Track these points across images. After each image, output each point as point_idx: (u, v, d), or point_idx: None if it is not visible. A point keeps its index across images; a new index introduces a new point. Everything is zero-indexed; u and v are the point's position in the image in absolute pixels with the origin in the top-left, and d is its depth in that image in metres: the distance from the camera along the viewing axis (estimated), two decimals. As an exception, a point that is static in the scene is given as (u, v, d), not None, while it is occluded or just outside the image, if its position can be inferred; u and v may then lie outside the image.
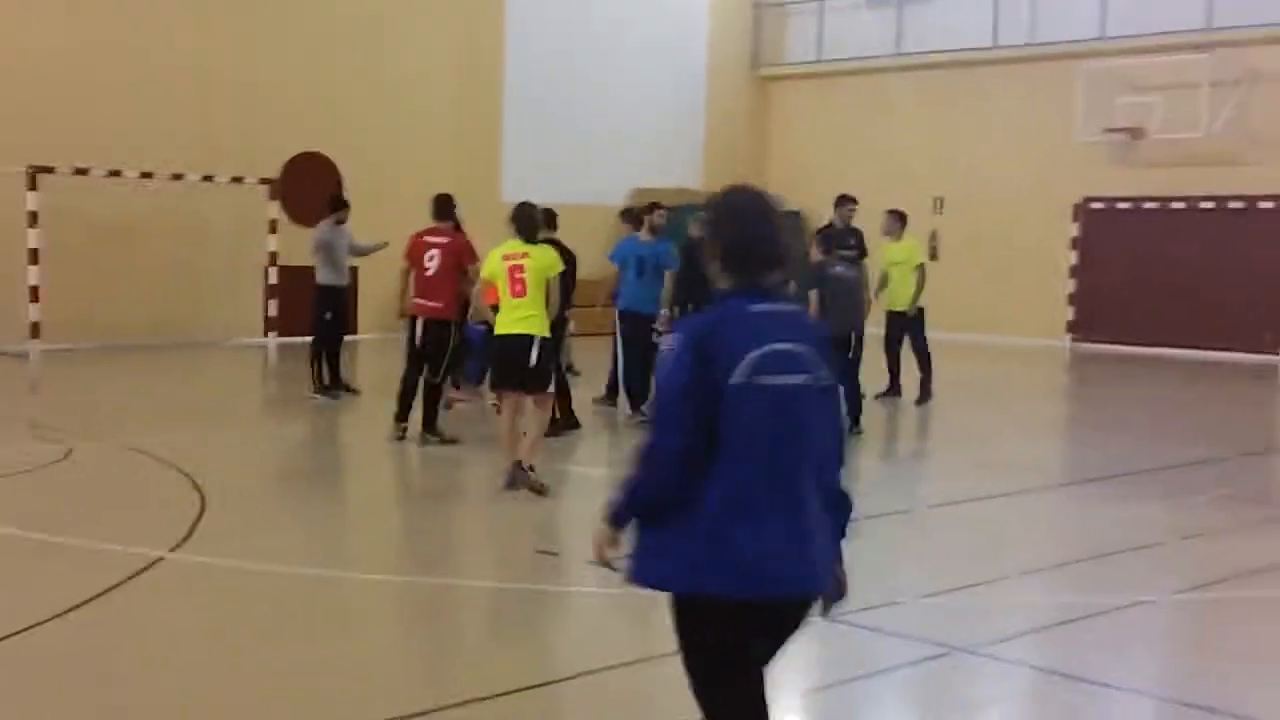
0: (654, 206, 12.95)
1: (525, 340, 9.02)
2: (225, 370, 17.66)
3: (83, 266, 17.63)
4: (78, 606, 6.33)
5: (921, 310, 14.65)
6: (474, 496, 9.83)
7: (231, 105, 19.66)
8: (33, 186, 17.08)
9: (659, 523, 3.40)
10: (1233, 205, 20.98)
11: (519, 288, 9.06)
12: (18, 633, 5.94)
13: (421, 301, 11.12)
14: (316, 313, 13.79)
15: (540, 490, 8.97)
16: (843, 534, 3.60)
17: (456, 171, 21.50)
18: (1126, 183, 21.99)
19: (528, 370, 9.04)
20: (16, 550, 7.63)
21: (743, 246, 3.48)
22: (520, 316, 9.05)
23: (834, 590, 3.58)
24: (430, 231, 11.26)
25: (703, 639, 3.43)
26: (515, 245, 9.21)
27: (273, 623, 6.47)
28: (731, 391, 3.33)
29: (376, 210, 16.93)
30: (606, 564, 3.54)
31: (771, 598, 3.40)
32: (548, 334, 9.18)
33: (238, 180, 19.10)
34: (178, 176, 18.50)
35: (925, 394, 14.50)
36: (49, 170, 17.21)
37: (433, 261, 11.03)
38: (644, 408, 11.78)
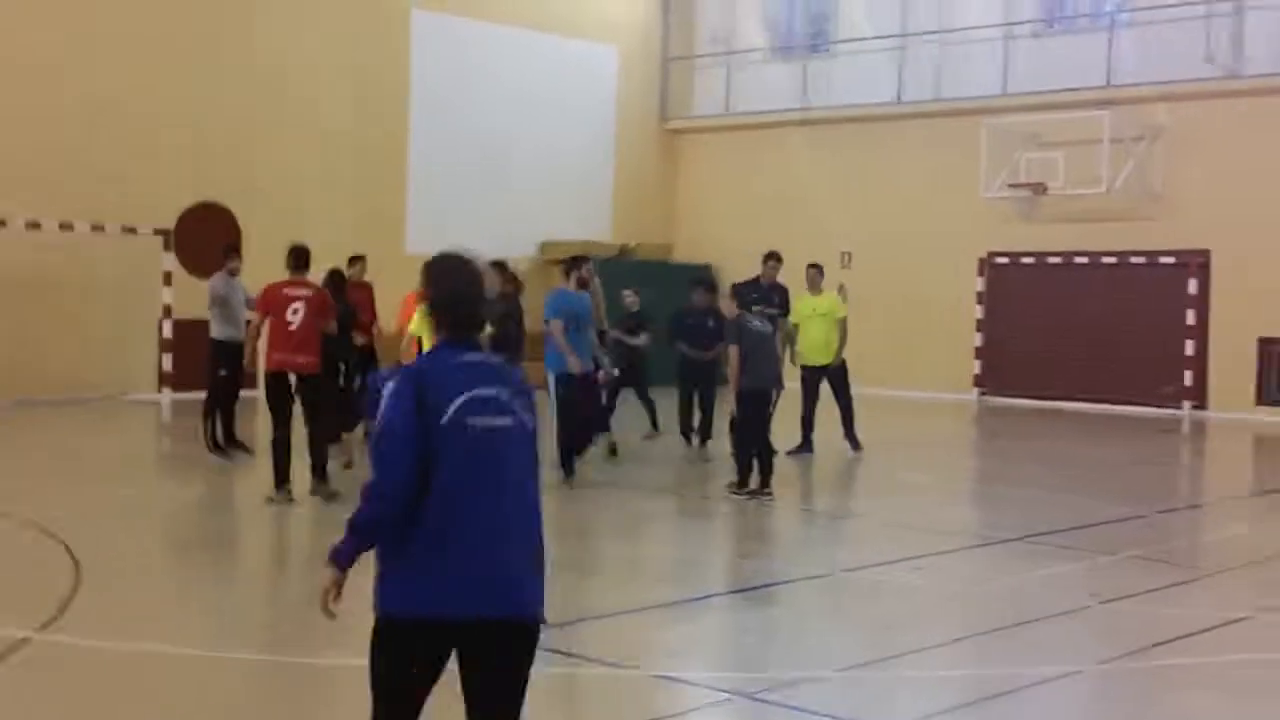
0: (578, 260, 12.74)
1: None
2: (115, 427, 16.95)
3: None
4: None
5: (844, 362, 14.61)
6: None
7: (122, 153, 19.04)
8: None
9: (380, 553, 3.77)
10: (1134, 260, 21.23)
11: None
12: None
13: (288, 356, 10.71)
14: (211, 368, 13.26)
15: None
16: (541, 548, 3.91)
17: (360, 222, 21.09)
18: (1030, 238, 22.17)
19: None
20: None
21: (450, 304, 3.93)
22: None
23: (539, 613, 3.85)
24: (291, 284, 10.88)
25: (396, 656, 3.74)
26: None
27: (142, 713, 5.95)
28: (441, 431, 3.71)
29: (277, 262, 16.36)
30: (328, 613, 3.81)
31: (470, 618, 3.69)
32: None
33: (130, 230, 18.45)
34: (66, 226, 17.82)
35: (855, 443, 14.73)
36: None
37: (296, 315, 10.67)
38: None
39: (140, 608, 7.74)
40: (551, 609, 4.04)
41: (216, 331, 13.24)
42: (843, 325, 14.66)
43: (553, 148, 24.59)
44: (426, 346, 9.09)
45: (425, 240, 20.96)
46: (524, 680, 3.83)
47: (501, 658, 3.78)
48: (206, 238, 18.35)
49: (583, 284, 12.53)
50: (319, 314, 10.83)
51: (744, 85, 25.84)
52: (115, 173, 18.82)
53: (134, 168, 19.04)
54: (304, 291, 10.87)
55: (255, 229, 17.89)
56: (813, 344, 14.52)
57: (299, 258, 11.05)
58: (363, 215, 21.41)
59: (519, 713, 3.84)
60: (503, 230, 22.40)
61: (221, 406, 13.25)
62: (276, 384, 10.81)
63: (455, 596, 3.68)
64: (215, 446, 13.18)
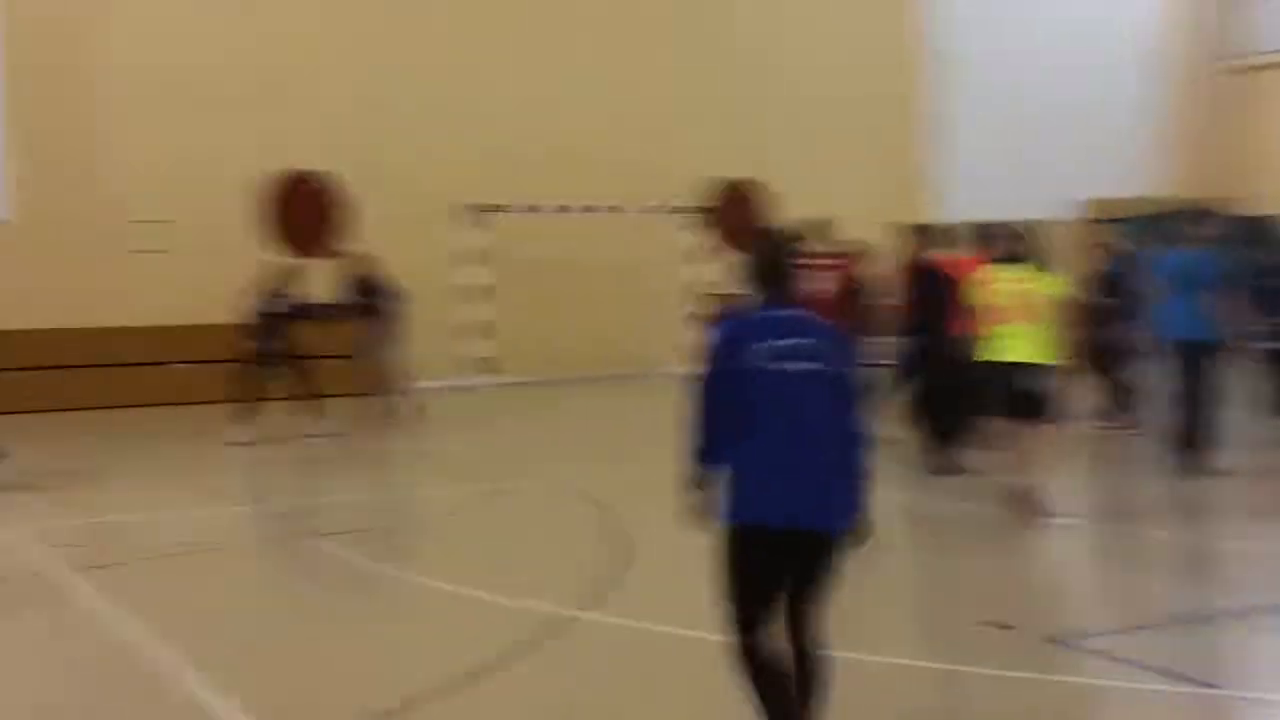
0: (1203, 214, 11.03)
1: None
2: (661, 402, 17.35)
3: (525, 302, 17.89)
4: (475, 674, 5.75)
5: None
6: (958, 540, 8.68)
7: (640, 137, 19.56)
8: (477, 226, 17.52)
9: (717, 477, 4.44)
10: None
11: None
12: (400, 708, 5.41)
13: None
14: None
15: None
16: (863, 474, 4.46)
17: (881, 190, 20.52)
18: None
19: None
20: (426, 602, 7.23)
21: (765, 270, 4.57)
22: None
23: (856, 528, 4.46)
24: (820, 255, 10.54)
25: (737, 557, 4.39)
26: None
27: (699, 703, 5.60)
28: (753, 373, 4.35)
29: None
30: (690, 525, 4.59)
31: (783, 528, 4.33)
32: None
33: (678, 211, 18.88)
34: (615, 209, 18.53)
35: None
36: (498, 209, 17.59)
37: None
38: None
39: (689, 590, 7.52)
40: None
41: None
42: None
43: (1092, 100, 22.69)
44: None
45: (963, 205, 20.00)
46: (828, 579, 4.49)
47: (807, 560, 4.44)
48: (737, 215, 18.57)
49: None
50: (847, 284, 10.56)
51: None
52: (652, 156, 19.36)
53: (670, 151, 19.51)
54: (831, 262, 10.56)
55: (783, 205, 17.76)
56: None
57: (821, 230, 10.80)
58: (884, 180, 20.82)
59: (820, 605, 4.53)
60: (1042, 189, 20.96)
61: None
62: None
63: (771, 511, 4.35)
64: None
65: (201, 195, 17.30)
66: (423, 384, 15.68)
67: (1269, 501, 9.55)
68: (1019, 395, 8.63)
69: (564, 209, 18.30)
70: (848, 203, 19.44)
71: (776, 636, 4.44)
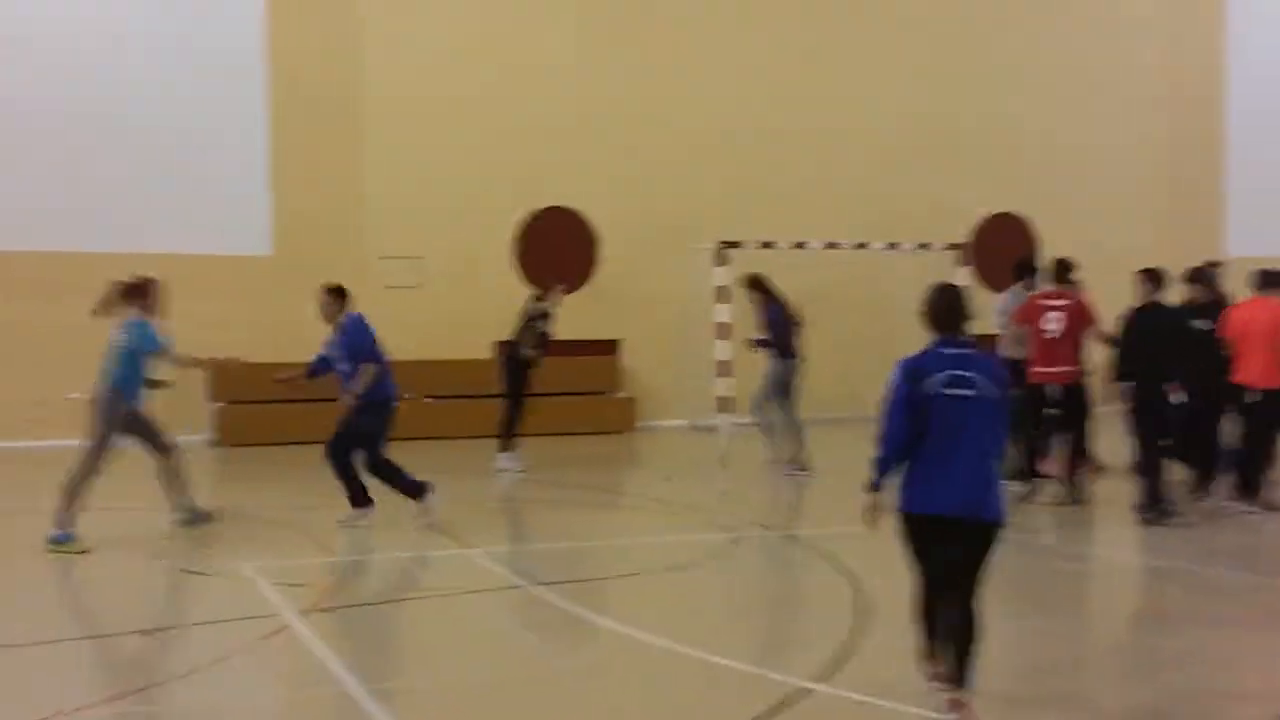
0: None
1: None
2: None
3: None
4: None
5: None
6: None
7: (917, 169, 18.88)
8: (721, 262, 17.17)
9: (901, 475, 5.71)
10: None
11: None
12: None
13: (1044, 369, 11.10)
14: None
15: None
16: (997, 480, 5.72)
17: (1169, 224, 19.20)
18: None
19: None
20: (651, 664, 6.78)
21: (939, 314, 5.80)
22: None
23: (994, 517, 5.65)
24: (1050, 295, 11.27)
25: (912, 537, 5.72)
26: None
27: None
28: (928, 398, 5.60)
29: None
30: (870, 526, 5.71)
31: (945, 515, 5.60)
32: None
33: (924, 246, 18.11)
34: (861, 245, 17.87)
35: None
36: (735, 245, 17.24)
37: (1055, 325, 11.04)
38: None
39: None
40: None
41: (1004, 348, 12.21)
42: None
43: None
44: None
45: (1250, 240, 18.57)
46: (982, 561, 5.64)
47: (967, 543, 5.62)
48: (1001, 250, 17.63)
49: None
50: (1079, 323, 11.10)
51: None
52: (908, 190, 18.68)
53: (927, 185, 18.80)
54: (1062, 302, 11.14)
55: (1051, 239, 16.77)
56: None
57: (1061, 268, 11.36)
58: (1173, 214, 19.44)
59: (976, 584, 5.64)
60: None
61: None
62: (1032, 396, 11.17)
63: (937, 501, 5.59)
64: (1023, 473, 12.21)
65: (453, 230, 17.59)
66: (661, 422, 15.40)
67: None
68: None
69: (801, 245, 17.79)
70: (1138, 240, 18.42)
71: (947, 600, 5.63)
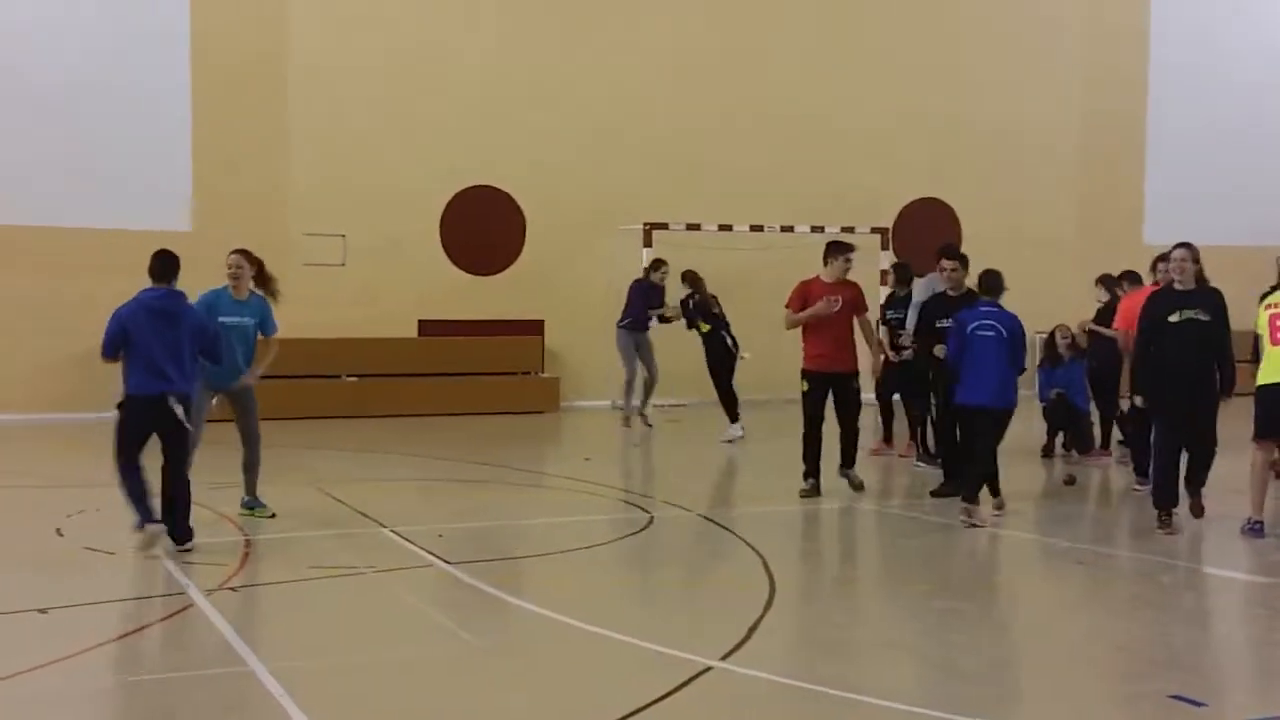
0: None
1: None
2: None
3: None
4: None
5: None
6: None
7: (839, 155, 19.03)
8: (648, 243, 17.24)
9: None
10: None
11: None
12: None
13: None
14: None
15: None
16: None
17: (1087, 212, 19.49)
18: None
19: None
20: (563, 642, 6.79)
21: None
22: None
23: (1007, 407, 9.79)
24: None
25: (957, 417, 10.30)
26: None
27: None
28: (969, 336, 9.82)
29: (996, 257, 15.32)
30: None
31: (973, 405, 9.76)
32: None
33: (848, 229, 18.24)
34: (787, 229, 17.98)
35: None
36: (662, 227, 17.30)
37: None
38: None
39: (828, 640, 6.93)
40: None
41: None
42: None
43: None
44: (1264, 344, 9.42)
45: (1165, 229, 18.92)
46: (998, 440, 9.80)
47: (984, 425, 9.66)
48: (921, 235, 17.83)
49: None
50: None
51: None
52: (831, 175, 18.81)
53: (851, 171, 18.94)
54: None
55: (971, 224, 16.97)
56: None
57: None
58: (1092, 202, 19.73)
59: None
60: (1255, 215, 19.64)
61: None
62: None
63: (969, 396, 9.73)
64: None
65: (376, 208, 17.44)
66: (584, 403, 15.43)
67: None
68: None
69: (725, 228, 17.87)
70: (1057, 225, 18.73)
71: None
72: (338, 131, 17.38)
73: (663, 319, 14.93)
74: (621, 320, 14.85)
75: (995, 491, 9.93)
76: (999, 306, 9.83)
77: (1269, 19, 21.50)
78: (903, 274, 13.30)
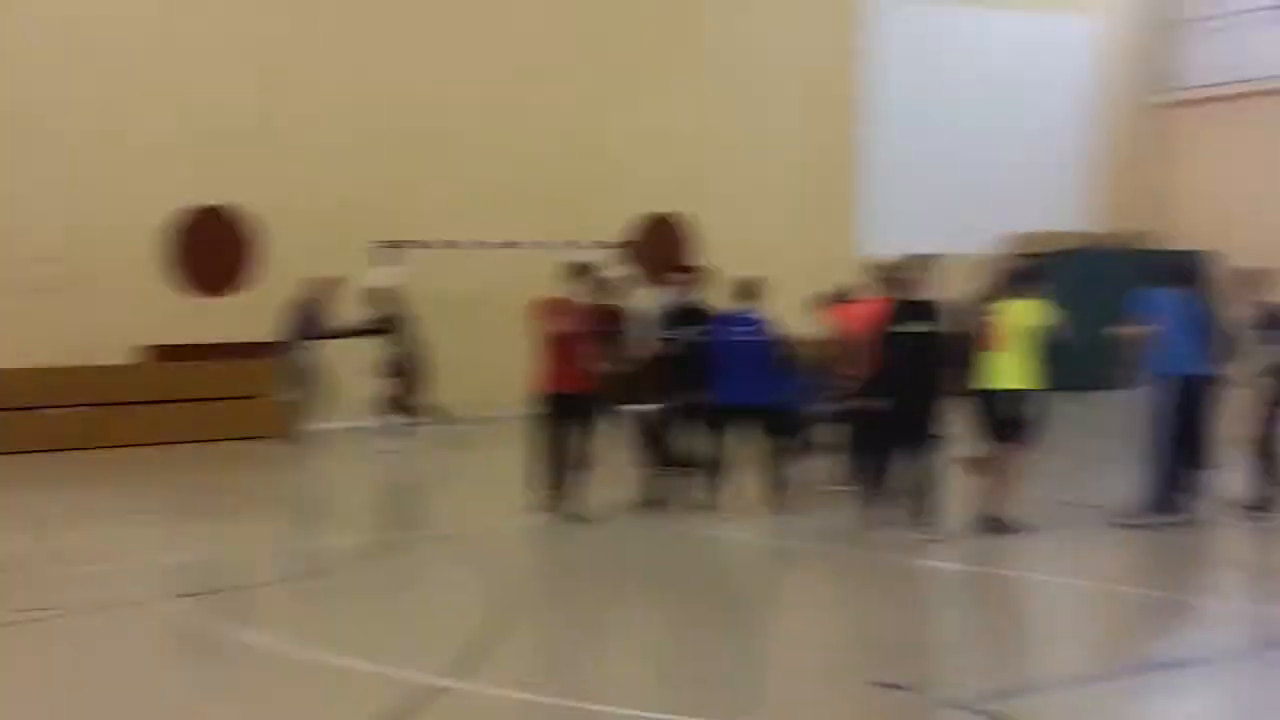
0: None
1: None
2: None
3: (440, 340, 17.16)
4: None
5: None
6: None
7: (581, 169, 19.19)
8: (377, 262, 16.93)
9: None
10: None
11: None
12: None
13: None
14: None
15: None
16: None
17: (805, 222, 20.39)
18: None
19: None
20: (280, 672, 6.58)
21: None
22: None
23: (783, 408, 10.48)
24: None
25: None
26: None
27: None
28: (725, 344, 10.29)
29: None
30: None
31: (735, 404, 10.28)
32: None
33: (572, 244, 18.35)
34: (511, 244, 18.00)
35: None
36: (398, 245, 17.03)
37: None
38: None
39: (567, 653, 6.96)
40: None
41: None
42: None
43: (1019, 133, 22.67)
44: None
45: (877, 240, 19.80)
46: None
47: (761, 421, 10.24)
48: (657, 250, 18.17)
49: None
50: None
51: (1256, 49, 22.68)
52: (565, 192, 18.96)
53: (582, 186, 19.13)
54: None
55: (707, 238, 17.36)
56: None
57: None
58: (809, 213, 20.67)
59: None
60: (965, 224, 20.82)
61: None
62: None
63: (728, 396, 10.09)
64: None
65: (102, 232, 16.59)
66: (328, 425, 15.14)
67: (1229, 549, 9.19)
68: (1005, 420, 9.35)
69: (482, 244, 17.77)
70: (780, 239, 19.36)
71: None
72: (55, 147, 16.43)
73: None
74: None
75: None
76: (755, 311, 10.34)
77: (969, 50, 22.67)
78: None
